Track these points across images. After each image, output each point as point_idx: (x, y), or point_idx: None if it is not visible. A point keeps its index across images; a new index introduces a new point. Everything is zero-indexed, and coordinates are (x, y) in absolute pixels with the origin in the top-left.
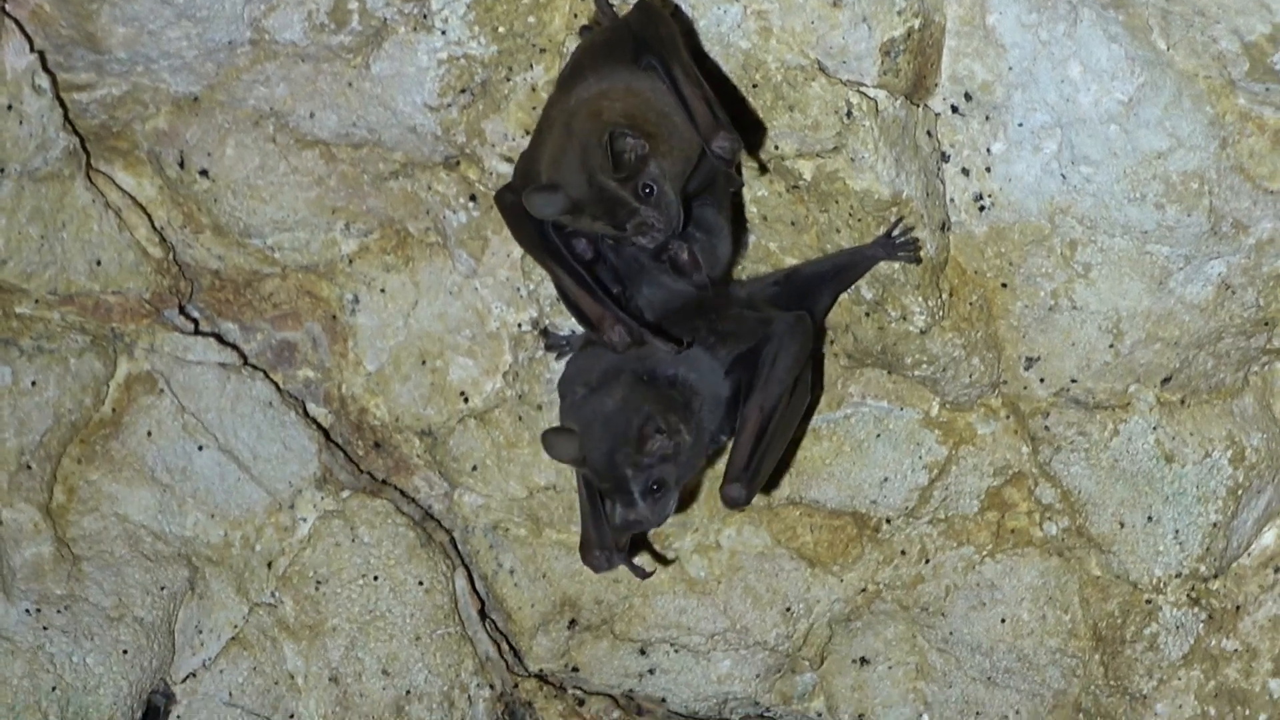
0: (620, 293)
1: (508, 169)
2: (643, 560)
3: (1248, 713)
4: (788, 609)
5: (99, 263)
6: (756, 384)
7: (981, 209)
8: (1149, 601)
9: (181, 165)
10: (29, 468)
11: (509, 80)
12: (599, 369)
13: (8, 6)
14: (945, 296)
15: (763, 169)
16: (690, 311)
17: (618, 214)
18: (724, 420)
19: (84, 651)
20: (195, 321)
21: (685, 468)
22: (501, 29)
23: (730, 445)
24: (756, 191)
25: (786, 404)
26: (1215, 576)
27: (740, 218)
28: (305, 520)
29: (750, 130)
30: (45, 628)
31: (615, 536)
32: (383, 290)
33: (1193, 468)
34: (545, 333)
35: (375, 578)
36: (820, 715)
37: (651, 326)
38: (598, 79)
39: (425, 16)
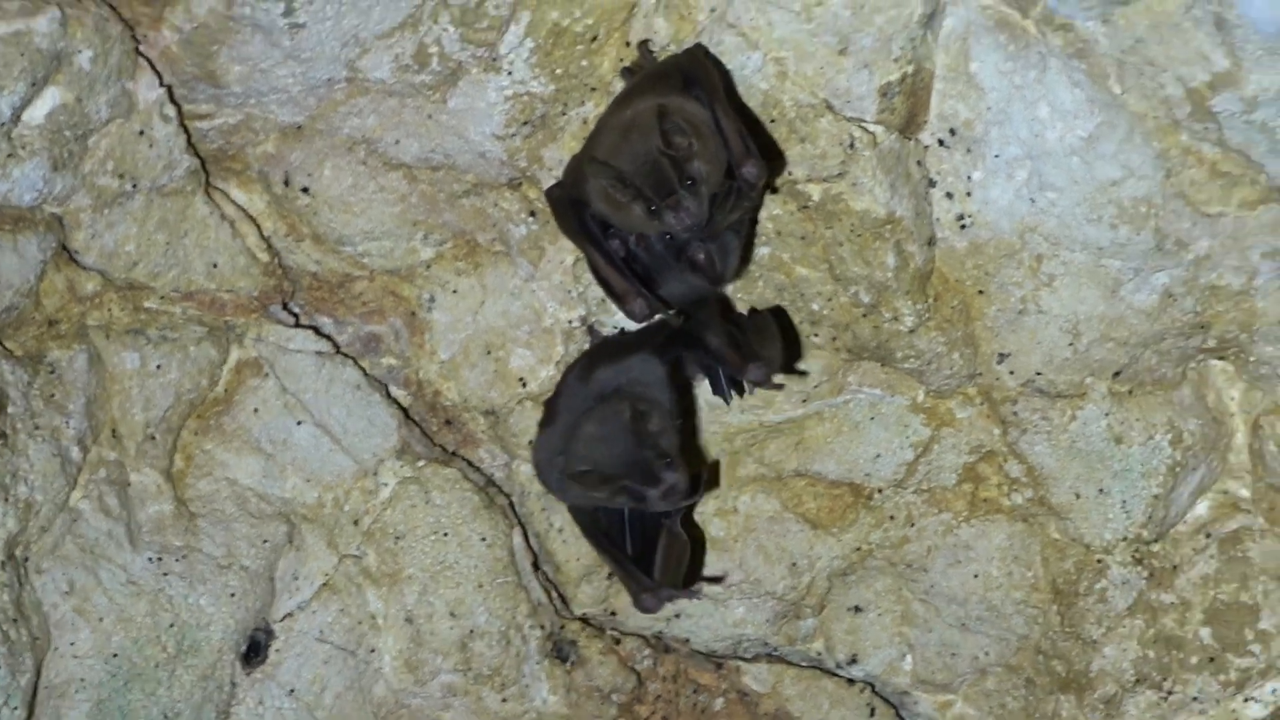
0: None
1: None
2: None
3: (1181, 655)
4: (793, 564)
5: (215, 265)
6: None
7: (963, 227)
8: (1099, 561)
9: (286, 184)
10: (154, 439)
11: (564, 114)
12: (558, 440)
13: (141, 47)
14: (931, 301)
15: (774, 190)
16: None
17: (660, 188)
18: (674, 401)
19: (198, 594)
20: (296, 316)
21: (674, 436)
22: (559, 71)
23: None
24: (772, 210)
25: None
26: (1156, 540)
27: (750, 239)
28: (387, 485)
29: (774, 160)
30: (166, 574)
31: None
32: (455, 291)
33: (1138, 448)
34: (591, 329)
35: (445, 534)
36: (820, 654)
37: (665, 302)
38: (655, 96)
39: (495, 60)
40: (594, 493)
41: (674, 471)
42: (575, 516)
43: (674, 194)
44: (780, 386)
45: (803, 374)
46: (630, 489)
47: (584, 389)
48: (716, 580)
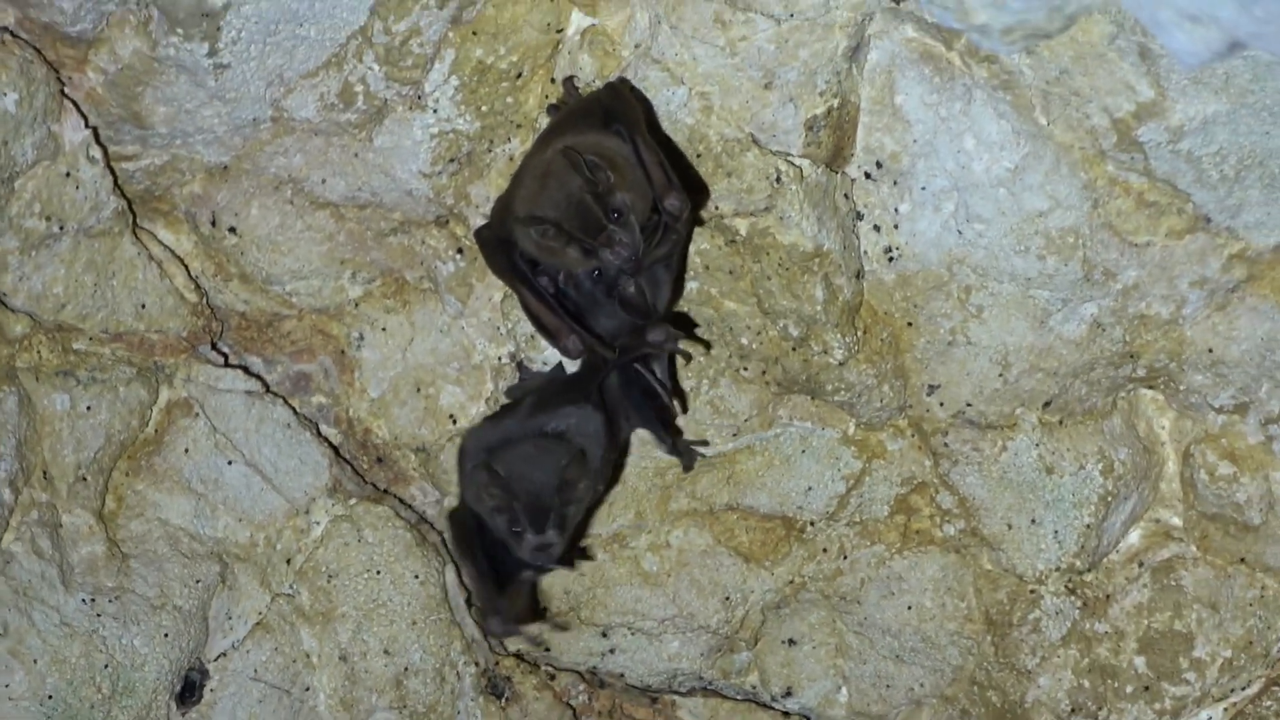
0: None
1: None
2: (540, 628)
3: (1116, 684)
4: (727, 598)
5: (144, 306)
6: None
7: (890, 259)
8: (1033, 591)
9: (213, 224)
10: (85, 480)
11: (490, 151)
12: (495, 436)
13: (66, 89)
14: (860, 334)
15: (701, 223)
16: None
17: (589, 227)
18: (605, 457)
19: (131, 635)
20: (225, 356)
21: (582, 506)
22: (484, 108)
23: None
24: (700, 245)
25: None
26: (1089, 570)
27: (681, 272)
28: (319, 523)
29: (698, 193)
30: (99, 615)
31: (537, 557)
32: (384, 329)
33: (1069, 478)
34: (520, 365)
35: (378, 572)
36: (755, 688)
37: (598, 338)
38: (573, 135)
39: (420, 98)
40: (486, 496)
41: (559, 535)
42: (460, 521)
43: (604, 230)
44: (686, 351)
45: (707, 346)
46: (515, 518)
47: (531, 420)
48: (562, 628)
